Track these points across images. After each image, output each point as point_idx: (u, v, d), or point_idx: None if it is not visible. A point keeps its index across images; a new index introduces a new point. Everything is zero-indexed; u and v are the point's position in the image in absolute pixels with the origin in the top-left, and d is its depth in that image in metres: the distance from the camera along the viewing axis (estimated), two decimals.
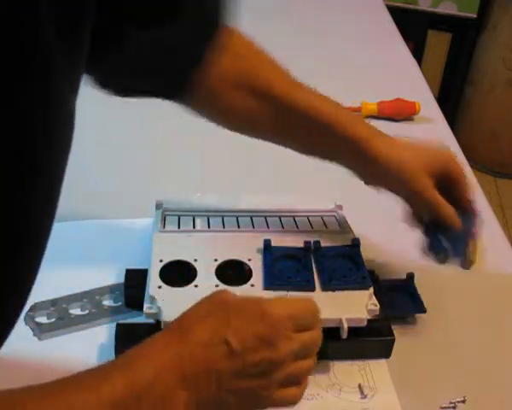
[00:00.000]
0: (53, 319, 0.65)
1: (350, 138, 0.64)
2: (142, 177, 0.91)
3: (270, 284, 0.63)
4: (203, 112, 0.65)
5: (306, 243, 0.67)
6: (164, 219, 0.71)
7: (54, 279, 0.70)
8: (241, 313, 0.47)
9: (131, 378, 0.42)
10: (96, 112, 1.04)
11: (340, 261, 0.67)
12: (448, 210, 0.65)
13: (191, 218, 0.72)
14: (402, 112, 1.10)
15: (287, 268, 0.65)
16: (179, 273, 0.64)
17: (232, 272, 0.65)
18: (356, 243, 0.69)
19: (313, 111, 0.64)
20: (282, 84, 0.65)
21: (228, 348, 0.45)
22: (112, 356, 0.61)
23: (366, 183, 0.69)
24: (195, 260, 0.65)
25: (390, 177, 0.66)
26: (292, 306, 0.49)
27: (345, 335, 0.59)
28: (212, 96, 0.64)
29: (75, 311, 0.66)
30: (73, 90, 0.42)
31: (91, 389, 0.41)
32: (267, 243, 0.67)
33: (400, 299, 0.69)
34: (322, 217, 0.75)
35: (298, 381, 0.50)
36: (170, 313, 0.58)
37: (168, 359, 0.44)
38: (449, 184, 0.66)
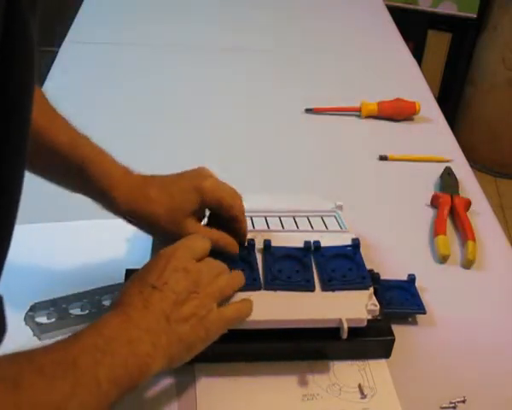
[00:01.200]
0: (53, 319, 0.65)
1: (96, 186, 0.62)
2: None
3: (270, 284, 0.63)
4: None
5: (306, 242, 0.67)
6: None
7: (53, 279, 0.70)
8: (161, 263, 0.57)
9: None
10: (95, 113, 1.04)
11: (340, 261, 0.67)
12: (217, 240, 0.63)
13: None
14: (402, 112, 1.10)
15: (287, 268, 0.65)
16: None
17: None
18: (356, 243, 0.69)
19: (67, 148, 0.62)
20: (42, 117, 0.60)
21: (158, 290, 0.54)
22: None
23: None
24: None
25: (147, 226, 0.65)
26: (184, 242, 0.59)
27: (345, 335, 0.59)
28: None
29: (75, 311, 0.66)
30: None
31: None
32: (267, 243, 0.67)
33: (400, 299, 0.69)
34: (322, 217, 0.75)
35: (227, 297, 0.59)
36: None
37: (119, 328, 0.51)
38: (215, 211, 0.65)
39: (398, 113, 1.10)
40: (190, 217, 0.63)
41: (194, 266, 0.57)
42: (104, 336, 0.49)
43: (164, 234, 0.64)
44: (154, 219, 0.63)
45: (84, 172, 0.62)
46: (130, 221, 0.65)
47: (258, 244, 0.67)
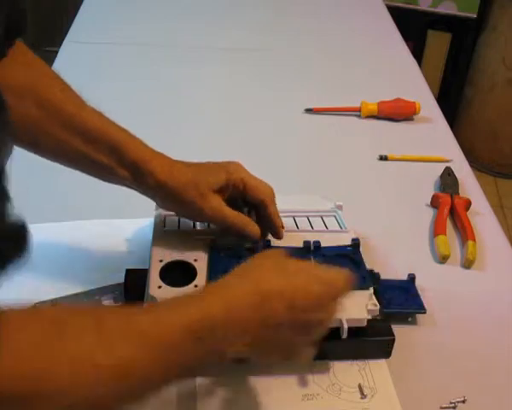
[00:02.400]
0: None
1: (131, 160, 0.64)
2: None
3: None
4: None
5: (306, 242, 0.67)
6: (164, 219, 0.71)
7: (54, 279, 0.70)
8: (300, 273, 0.54)
9: (206, 311, 0.48)
10: None
11: (340, 261, 0.66)
12: (237, 221, 0.66)
13: None
14: (402, 112, 1.10)
15: None
16: (179, 273, 0.64)
17: None
18: (356, 243, 0.68)
19: (99, 132, 0.65)
20: (71, 104, 0.65)
21: (290, 303, 0.51)
22: None
23: (159, 206, 0.71)
24: (195, 260, 0.65)
25: (172, 197, 0.65)
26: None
27: (345, 335, 0.59)
28: None
29: None
30: None
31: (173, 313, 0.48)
32: (267, 243, 0.67)
33: (400, 299, 0.69)
34: (322, 217, 0.75)
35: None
36: None
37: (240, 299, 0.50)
38: (243, 196, 0.67)
39: (398, 113, 1.10)
40: (216, 193, 0.65)
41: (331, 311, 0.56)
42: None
43: (189, 206, 0.65)
44: (181, 189, 0.64)
45: (117, 150, 0.64)
46: (156, 195, 0.66)
47: (260, 245, 0.67)
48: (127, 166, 0.64)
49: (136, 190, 0.67)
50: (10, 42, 0.62)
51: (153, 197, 0.67)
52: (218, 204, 0.65)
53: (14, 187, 0.45)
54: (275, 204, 0.68)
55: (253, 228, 0.66)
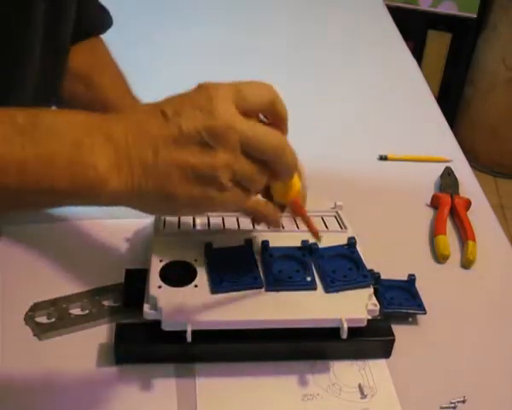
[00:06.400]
0: (53, 319, 0.65)
1: None
2: None
3: (270, 284, 0.63)
4: None
5: (304, 242, 0.67)
6: (164, 219, 0.71)
7: (54, 279, 0.70)
8: (191, 94, 0.47)
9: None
10: None
11: (340, 261, 0.66)
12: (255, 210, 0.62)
13: (191, 218, 0.72)
14: None
15: (286, 268, 0.65)
16: (179, 273, 0.64)
17: None
18: (352, 242, 0.68)
19: None
20: (115, 91, 0.73)
21: (163, 117, 0.44)
22: (111, 356, 0.61)
23: None
24: (195, 260, 0.65)
25: None
26: (255, 129, 0.47)
27: (344, 335, 0.59)
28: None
29: (75, 311, 0.66)
30: None
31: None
32: (265, 243, 0.67)
33: (401, 299, 0.69)
34: (322, 217, 0.75)
35: (244, 185, 0.48)
36: (170, 313, 0.58)
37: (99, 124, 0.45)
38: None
39: None
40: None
41: (232, 119, 0.46)
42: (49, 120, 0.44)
43: None
44: None
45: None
46: None
47: (257, 245, 0.67)
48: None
49: None
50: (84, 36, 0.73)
51: None
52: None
53: None
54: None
55: (273, 217, 0.62)
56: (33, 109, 0.44)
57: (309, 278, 0.64)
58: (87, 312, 0.66)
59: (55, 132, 0.43)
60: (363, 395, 0.61)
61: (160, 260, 0.64)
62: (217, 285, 0.62)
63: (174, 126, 0.44)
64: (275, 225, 0.65)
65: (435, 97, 1.22)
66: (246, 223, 0.72)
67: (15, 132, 0.42)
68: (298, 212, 0.60)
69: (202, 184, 0.45)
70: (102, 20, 0.77)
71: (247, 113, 0.48)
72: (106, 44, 0.78)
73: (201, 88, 0.48)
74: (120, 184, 0.44)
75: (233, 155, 0.46)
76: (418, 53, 2.31)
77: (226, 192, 0.47)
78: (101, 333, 0.64)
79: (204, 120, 0.45)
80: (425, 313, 0.68)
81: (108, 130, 0.44)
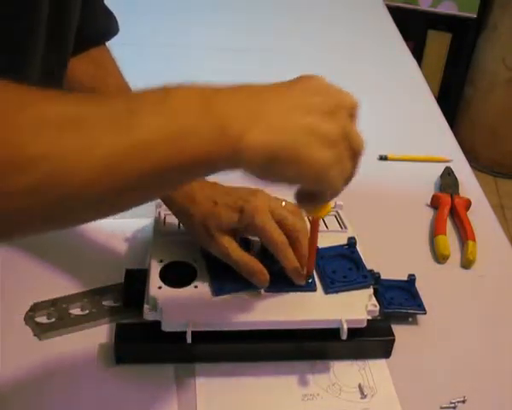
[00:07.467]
0: (53, 319, 0.65)
1: None
2: None
3: (272, 285, 0.63)
4: None
5: None
6: (164, 219, 0.71)
7: (54, 279, 0.70)
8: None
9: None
10: None
11: (340, 262, 0.67)
12: (243, 266, 0.62)
13: None
14: None
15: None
16: (179, 273, 0.64)
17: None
18: (352, 242, 0.68)
19: None
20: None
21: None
22: (111, 356, 0.61)
23: None
24: (195, 261, 0.65)
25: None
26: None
27: (344, 336, 0.59)
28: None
29: (75, 311, 0.66)
30: None
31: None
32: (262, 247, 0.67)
33: (401, 299, 0.69)
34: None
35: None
36: (170, 314, 0.58)
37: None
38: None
39: None
40: (227, 233, 0.63)
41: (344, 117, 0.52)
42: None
43: (195, 235, 0.65)
44: (192, 231, 0.65)
45: None
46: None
47: (257, 245, 0.67)
48: None
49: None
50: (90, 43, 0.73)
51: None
52: (224, 247, 0.62)
53: None
54: (287, 251, 0.62)
55: (259, 277, 0.62)
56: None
57: (309, 280, 0.64)
58: (87, 312, 0.66)
59: (187, 103, 0.45)
60: (363, 395, 0.61)
61: (160, 261, 0.64)
62: (217, 286, 0.62)
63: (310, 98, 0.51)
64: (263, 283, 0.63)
65: (435, 97, 1.22)
66: None
67: (152, 112, 0.43)
68: (313, 233, 0.60)
69: (332, 147, 0.49)
70: (108, 28, 0.76)
71: None
72: (110, 51, 0.78)
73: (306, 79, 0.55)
74: (258, 142, 0.45)
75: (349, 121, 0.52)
76: (418, 53, 2.31)
77: (346, 163, 0.53)
78: (101, 333, 0.64)
79: (327, 100, 0.53)
80: (425, 313, 0.68)
81: (249, 90, 0.49)
